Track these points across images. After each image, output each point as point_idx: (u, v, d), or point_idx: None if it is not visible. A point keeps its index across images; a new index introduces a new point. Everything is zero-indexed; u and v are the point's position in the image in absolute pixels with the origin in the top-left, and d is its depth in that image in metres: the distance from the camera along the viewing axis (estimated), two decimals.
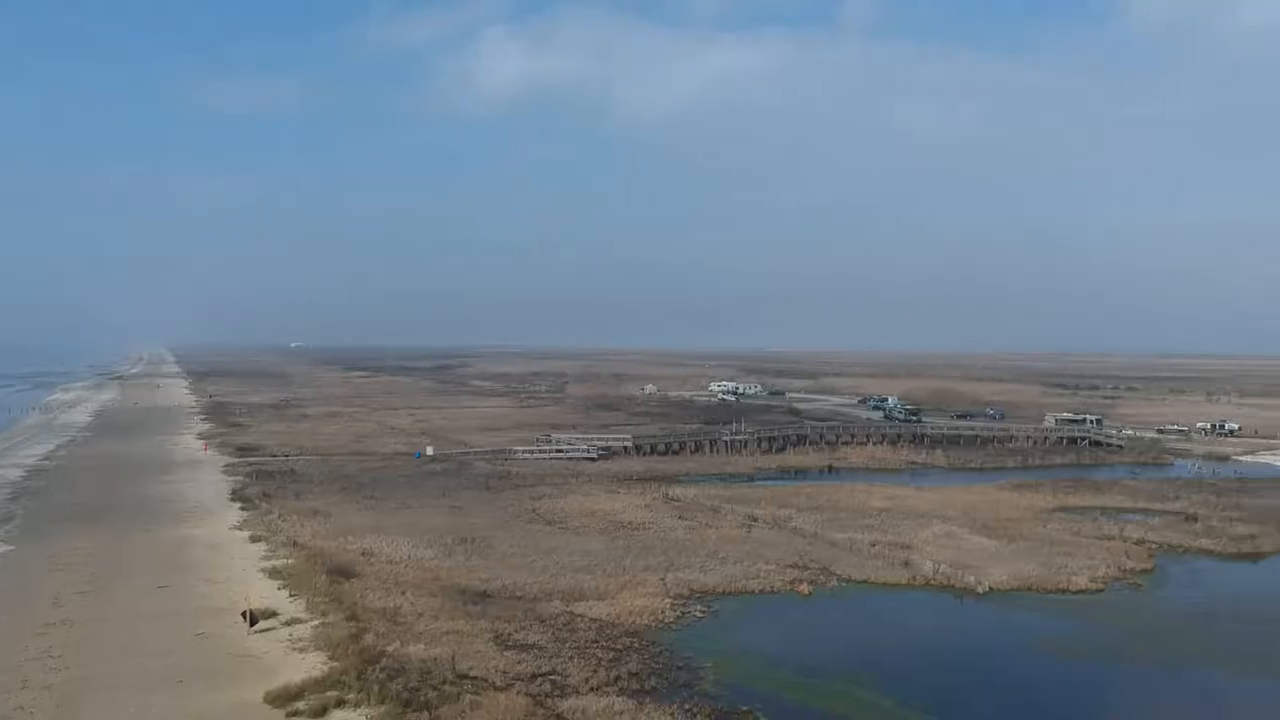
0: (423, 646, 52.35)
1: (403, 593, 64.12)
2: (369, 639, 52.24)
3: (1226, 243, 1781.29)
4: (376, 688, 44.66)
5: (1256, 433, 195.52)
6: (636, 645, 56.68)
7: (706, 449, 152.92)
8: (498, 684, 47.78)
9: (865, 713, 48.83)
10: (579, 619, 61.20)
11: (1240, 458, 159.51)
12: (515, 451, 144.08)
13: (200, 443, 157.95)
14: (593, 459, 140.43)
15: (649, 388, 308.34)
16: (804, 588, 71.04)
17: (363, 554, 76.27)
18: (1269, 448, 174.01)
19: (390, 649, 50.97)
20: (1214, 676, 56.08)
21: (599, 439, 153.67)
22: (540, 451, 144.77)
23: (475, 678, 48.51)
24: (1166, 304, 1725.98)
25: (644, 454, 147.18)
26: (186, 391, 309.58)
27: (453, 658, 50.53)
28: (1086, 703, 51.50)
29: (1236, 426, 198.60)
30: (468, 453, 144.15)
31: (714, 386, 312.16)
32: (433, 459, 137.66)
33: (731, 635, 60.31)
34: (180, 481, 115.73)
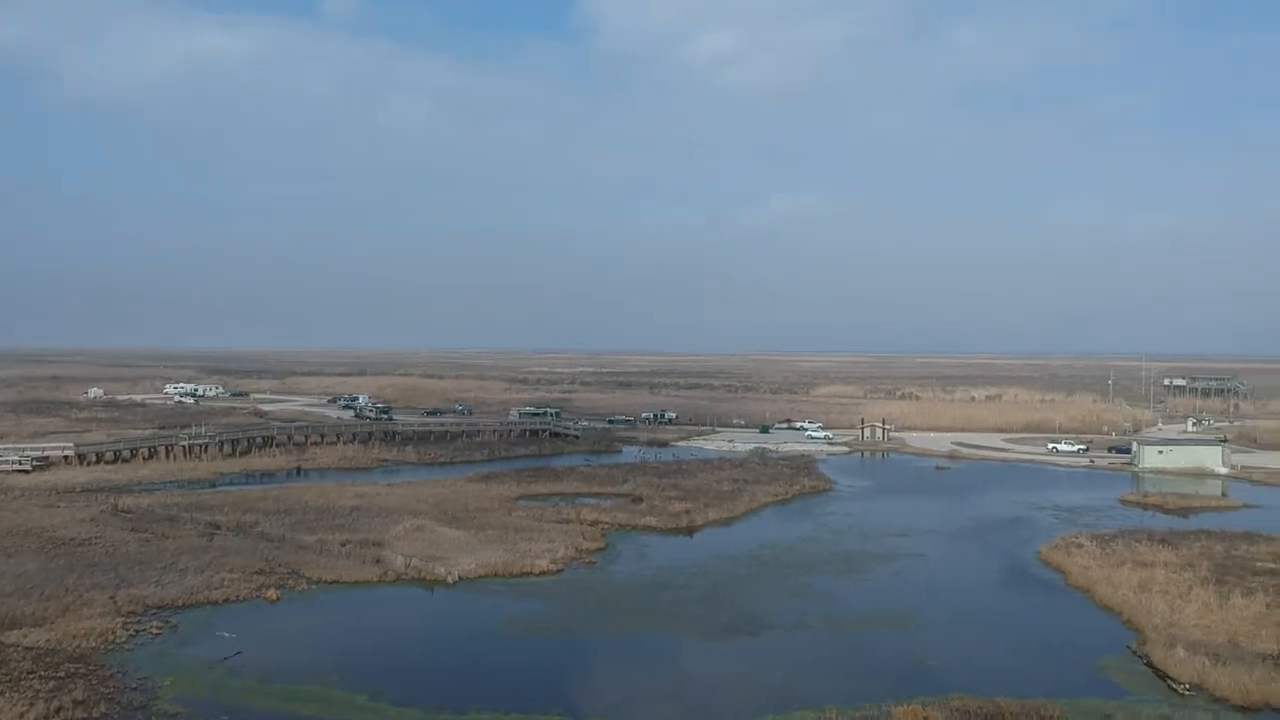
0: None
1: None
2: None
3: (681, 249, 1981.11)
4: None
5: (692, 420, 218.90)
6: (83, 671, 51.45)
7: (163, 455, 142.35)
8: None
9: (337, 711, 48.01)
10: (10, 649, 54.31)
11: (677, 443, 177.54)
12: None
13: None
14: (26, 471, 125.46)
15: (94, 391, 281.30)
16: (272, 593, 68.50)
17: None
18: (700, 433, 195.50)
19: None
20: (658, 639, 61.72)
21: (33, 449, 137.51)
22: None
23: None
24: (624, 304, 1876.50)
25: (89, 463, 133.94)
26: None
27: None
28: (548, 675, 54.43)
29: (674, 415, 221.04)
30: None
31: (170, 389, 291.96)
32: None
33: (193, 649, 56.65)
34: None
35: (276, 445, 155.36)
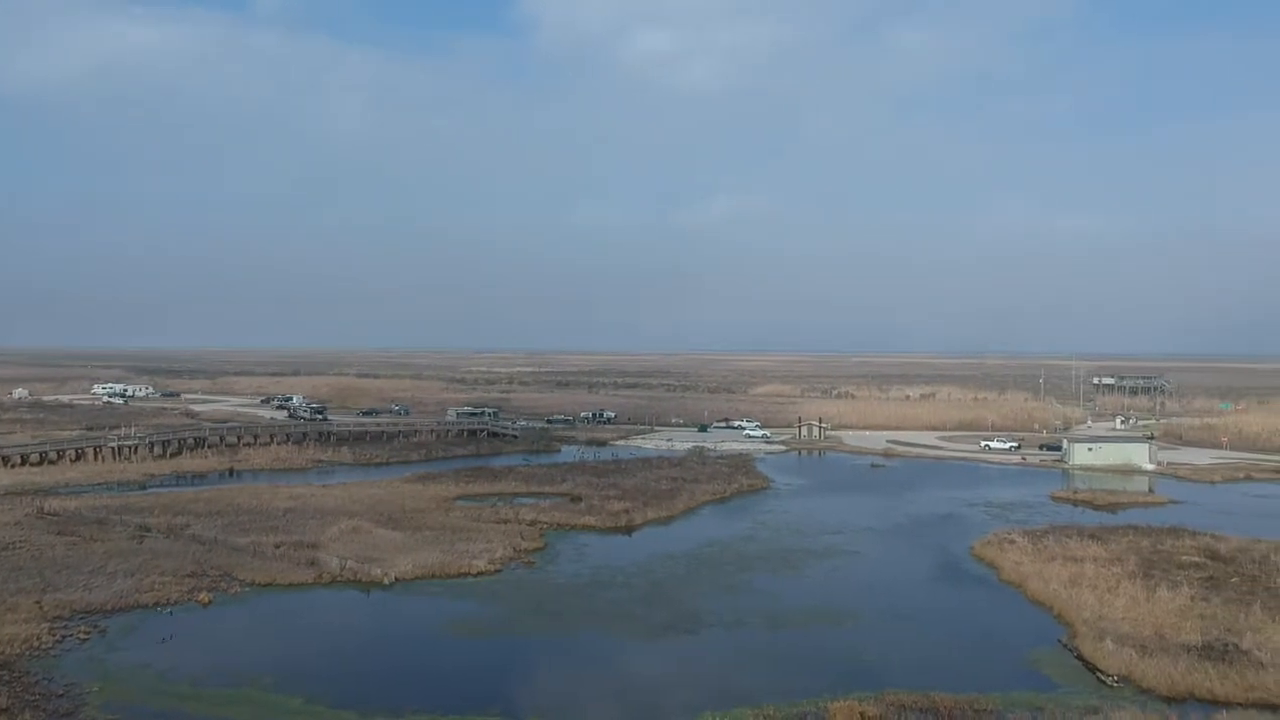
0: None
1: None
2: None
3: (620, 249, 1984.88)
4: None
5: (630, 419, 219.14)
6: (6, 678, 50.25)
7: (91, 456, 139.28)
8: None
9: (271, 715, 47.36)
10: None
11: (616, 442, 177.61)
12: None
13: None
14: None
15: (19, 392, 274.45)
16: (204, 596, 67.40)
17: None
18: (638, 433, 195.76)
19: None
20: (598, 638, 61.71)
21: None
22: None
23: None
24: (563, 304, 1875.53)
25: (14, 465, 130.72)
26: None
27: None
28: (487, 675, 54.16)
29: (613, 414, 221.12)
30: None
31: (99, 389, 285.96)
32: None
33: (122, 654, 55.54)
34: None
35: (208, 446, 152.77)
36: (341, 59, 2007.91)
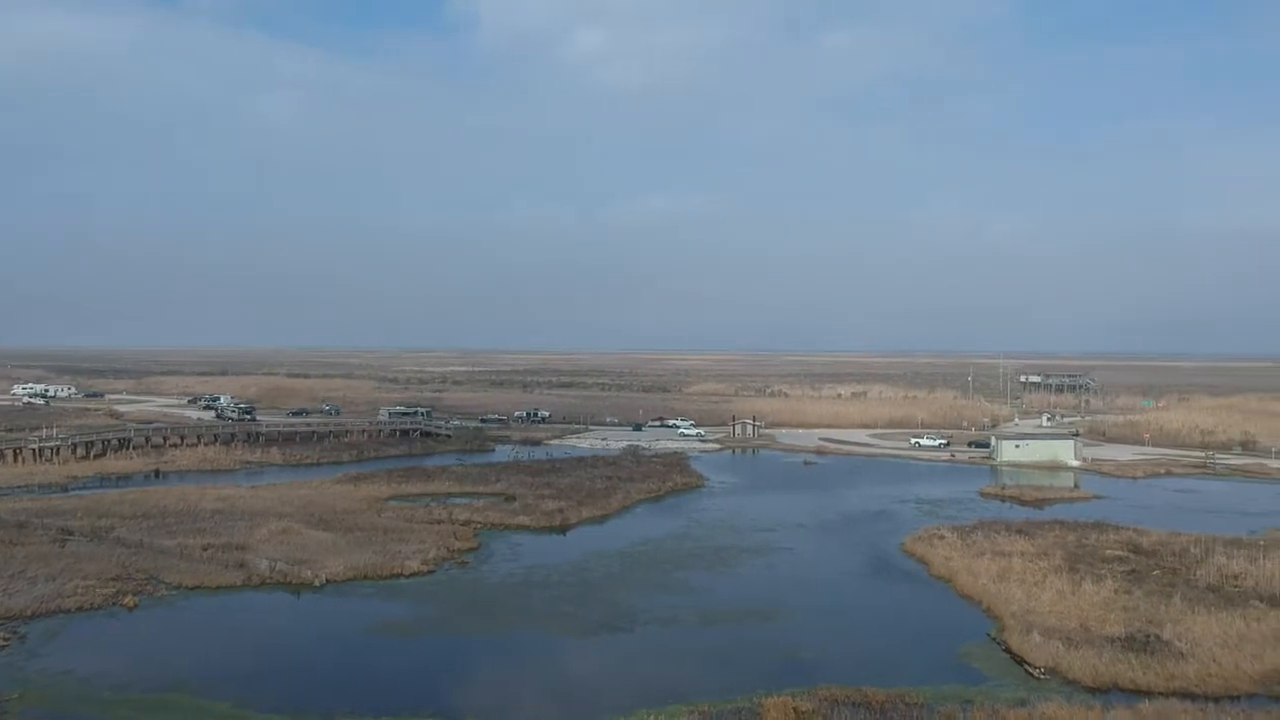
0: None
1: None
2: None
3: (556, 247, 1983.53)
4: None
5: (565, 418, 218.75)
6: None
7: (10, 458, 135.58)
8: None
9: None
10: None
11: (551, 442, 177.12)
12: None
13: None
14: None
15: None
16: (129, 600, 66.01)
17: None
18: (573, 432, 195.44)
19: None
20: (532, 637, 61.39)
21: None
22: None
23: None
24: (497, 302, 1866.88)
25: None
26: None
27: None
28: (420, 676, 53.71)
29: (548, 414, 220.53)
30: None
31: (18, 389, 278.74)
32: None
33: (43, 661, 54.16)
34: None
35: (133, 448, 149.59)
36: (277, 55, 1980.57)
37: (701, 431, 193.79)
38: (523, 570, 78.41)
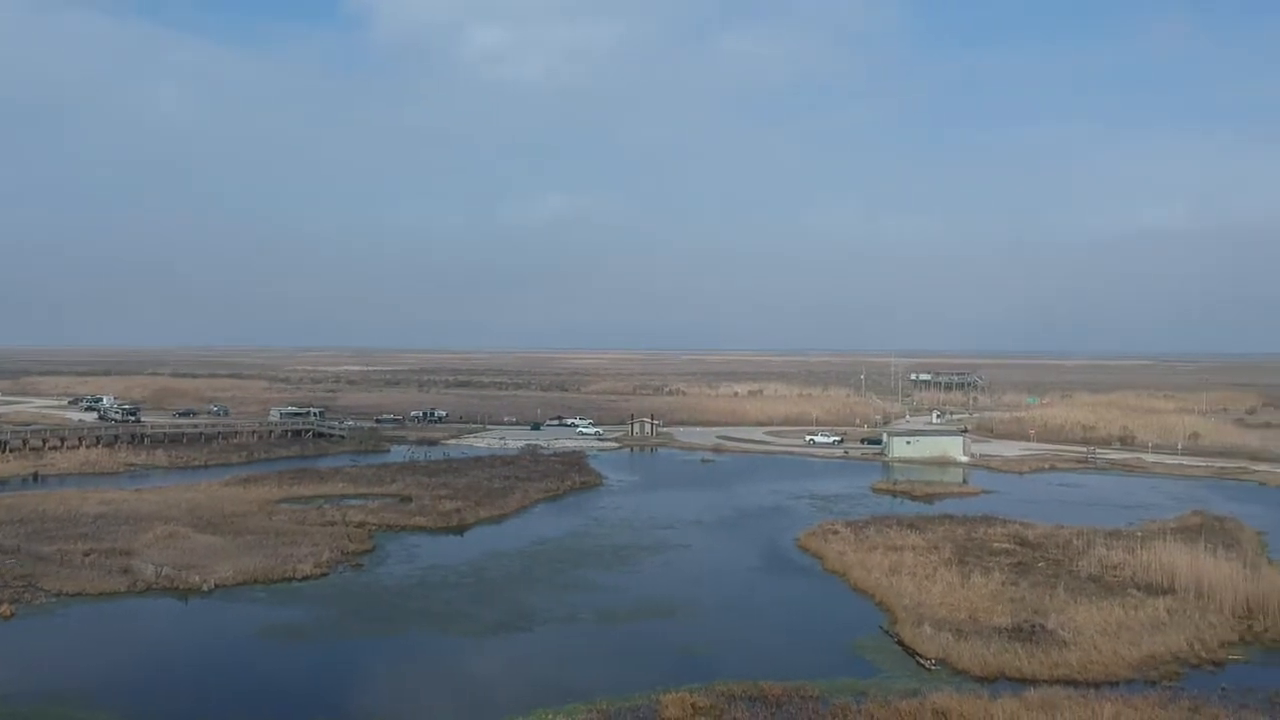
0: None
1: None
2: None
3: (447, 246, 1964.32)
4: None
5: (462, 418, 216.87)
6: None
7: None
8: None
9: None
10: None
11: (448, 441, 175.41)
12: None
13: None
14: None
15: None
16: (4, 609, 63.35)
17: None
18: (471, 431, 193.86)
19: None
20: (430, 638, 60.73)
21: None
22: None
23: None
24: (390, 301, 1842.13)
25: None
26: None
27: None
28: (313, 681, 52.69)
29: (445, 413, 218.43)
30: None
31: None
32: None
33: None
34: None
35: (10, 450, 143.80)
36: (162, 45, 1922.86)
37: (600, 430, 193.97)
38: (419, 571, 77.45)
